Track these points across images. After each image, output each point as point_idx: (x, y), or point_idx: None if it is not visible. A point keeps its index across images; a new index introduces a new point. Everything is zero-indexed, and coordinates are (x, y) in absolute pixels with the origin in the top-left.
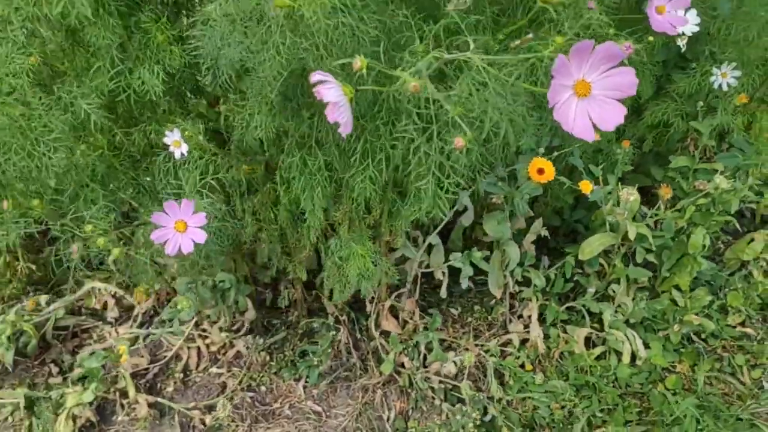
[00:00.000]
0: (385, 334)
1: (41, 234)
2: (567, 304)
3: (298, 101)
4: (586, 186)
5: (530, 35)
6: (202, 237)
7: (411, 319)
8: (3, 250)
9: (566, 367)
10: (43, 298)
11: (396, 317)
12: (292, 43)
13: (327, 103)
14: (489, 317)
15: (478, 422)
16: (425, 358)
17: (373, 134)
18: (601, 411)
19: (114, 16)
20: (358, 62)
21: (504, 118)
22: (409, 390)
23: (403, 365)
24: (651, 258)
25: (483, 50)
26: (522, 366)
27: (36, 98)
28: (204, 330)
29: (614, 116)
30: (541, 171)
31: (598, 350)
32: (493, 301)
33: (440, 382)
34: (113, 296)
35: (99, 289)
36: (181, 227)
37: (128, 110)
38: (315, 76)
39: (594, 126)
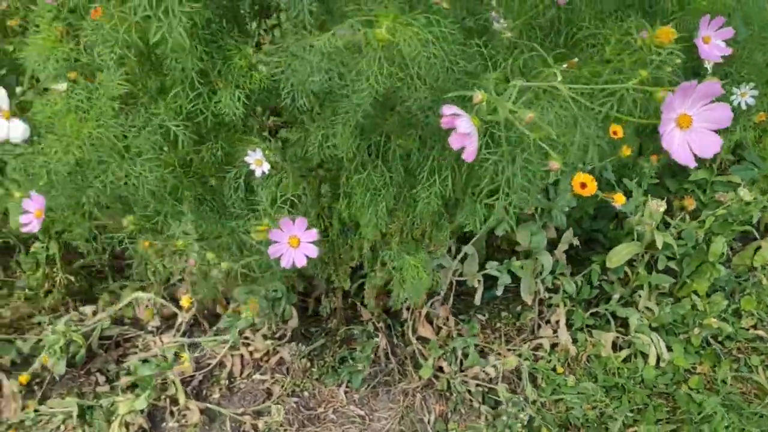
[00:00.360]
0: (422, 339)
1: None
2: (591, 310)
3: (372, 124)
4: (620, 198)
5: (576, 59)
6: (314, 251)
7: (445, 325)
8: (42, 261)
9: (594, 369)
10: (88, 309)
11: (430, 323)
12: (388, 73)
13: (454, 132)
14: (517, 323)
15: (525, 422)
16: (461, 362)
17: (441, 152)
18: (632, 411)
19: (202, 43)
20: (479, 95)
21: (591, 142)
22: (448, 393)
23: (441, 369)
24: (672, 265)
25: (569, 80)
26: (554, 369)
27: (127, 120)
28: (246, 338)
29: (712, 146)
30: (583, 185)
31: (623, 353)
32: (520, 307)
33: (477, 385)
34: (154, 305)
35: (140, 299)
36: (294, 243)
37: (196, 130)
38: (447, 109)
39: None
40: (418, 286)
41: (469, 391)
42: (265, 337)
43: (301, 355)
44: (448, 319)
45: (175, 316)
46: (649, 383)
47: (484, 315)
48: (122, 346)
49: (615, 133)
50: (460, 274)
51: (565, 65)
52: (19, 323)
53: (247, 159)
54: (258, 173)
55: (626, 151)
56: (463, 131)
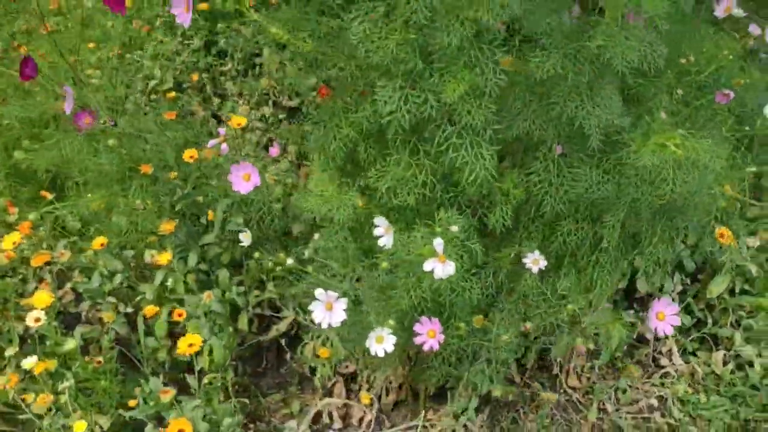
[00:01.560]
0: (572, 388)
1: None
2: (691, 336)
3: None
4: (730, 239)
5: None
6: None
7: (583, 371)
8: (218, 390)
9: (710, 385)
10: (293, 423)
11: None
12: (683, 180)
13: None
14: (632, 359)
15: None
16: (616, 401)
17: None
18: (759, 411)
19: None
20: None
21: None
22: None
23: (604, 411)
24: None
25: None
26: (685, 392)
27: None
28: (429, 419)
29: None
30: (722, 235)
31: (729, 366)
32: (625, 346)
33: (633, 417)
34: (340, 408)
35: (329, 404)
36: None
37: None
38: None
39: None
40: (620, 341)
41: (635, 426)
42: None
43: (482, 424)
44: (584, 366)
45: (346, 415)
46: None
47: (597, 358)
48: None
49: None
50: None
51: None
52: None
53: (525, 260)
54: (535, 270)
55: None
56: None
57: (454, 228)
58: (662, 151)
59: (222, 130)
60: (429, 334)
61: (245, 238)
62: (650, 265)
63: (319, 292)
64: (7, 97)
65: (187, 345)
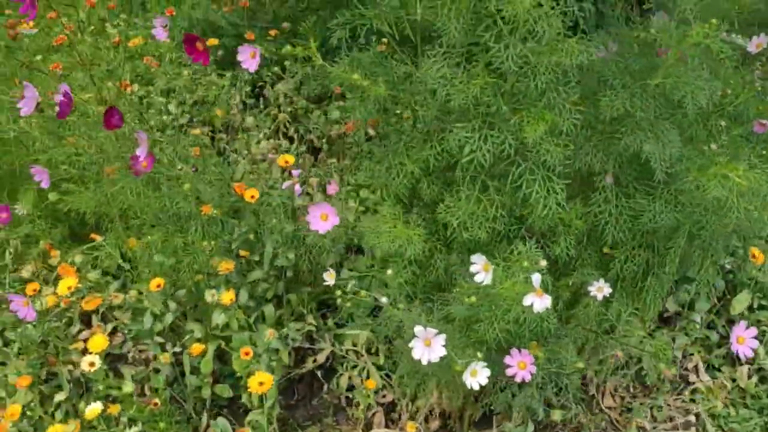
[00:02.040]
0: (609, 408)
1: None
2: (716, 352)
3: None
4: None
5: None
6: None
7: (616, 391)
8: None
9: (736, 398)
10: None
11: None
12: (744, 207)
13: None
14: (660, 376)
15: None
16: (654, 419)
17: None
18: None
19: None
20: None
21: None
22: None
23: (642, 429)
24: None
25: None
26: (715, 406)
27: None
28: None
29: None
30: (754, 255)
31: (753, 380)
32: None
33: None
34: None
35: None
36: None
37: None
38: None
39: None
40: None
41: None
42: None
43: None
44: (617, 388)
45: None
46: None
47: (624, 377)
48: None
49: None
50: None
51: None
52: None
53: (590, 288)
54: (599, 297)
55: None
56: None
57: (543, 263)
58: (725, 181)
59: (296, 172)
60: (520, 366)
61: (329, 278)
62: (702, 287)
63: (418, 329)
64: (45, 145)
65: (257, 383)
